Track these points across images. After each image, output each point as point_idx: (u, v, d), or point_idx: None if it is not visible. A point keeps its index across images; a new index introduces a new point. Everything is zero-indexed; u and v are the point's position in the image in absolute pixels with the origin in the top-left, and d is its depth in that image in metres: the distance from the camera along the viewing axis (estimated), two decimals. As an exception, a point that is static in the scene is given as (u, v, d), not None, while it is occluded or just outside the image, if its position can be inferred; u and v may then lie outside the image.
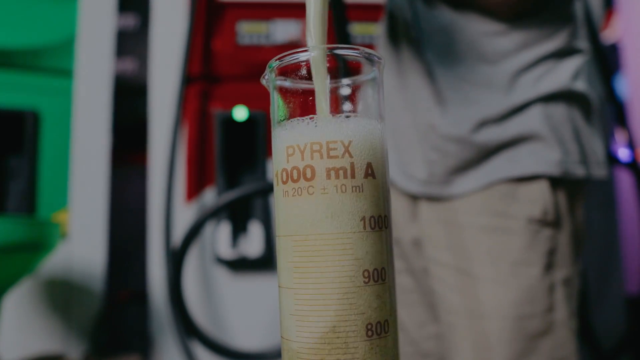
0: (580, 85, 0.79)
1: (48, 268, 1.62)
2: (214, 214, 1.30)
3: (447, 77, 0.80)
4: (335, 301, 0.32)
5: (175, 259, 1.32)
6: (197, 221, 1.30)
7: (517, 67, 0.77)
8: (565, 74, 0.78)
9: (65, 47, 1.75)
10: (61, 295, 1.66)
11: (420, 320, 0.90)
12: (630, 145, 1.46)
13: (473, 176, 0.79)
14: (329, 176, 0.33)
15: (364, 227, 0.33)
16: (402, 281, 0.91)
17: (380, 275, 0.33)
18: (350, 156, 0.33)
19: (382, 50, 0.92)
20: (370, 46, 0.43)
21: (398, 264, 0.92)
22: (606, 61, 1.32)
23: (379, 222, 0.34)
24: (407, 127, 0.85)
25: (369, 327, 0.32)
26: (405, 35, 0.85)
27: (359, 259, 0.32)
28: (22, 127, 1.68)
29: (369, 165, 0.34)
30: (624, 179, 2.03)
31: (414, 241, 0.88)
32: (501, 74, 0.77)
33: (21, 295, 1.60)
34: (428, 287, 0.87)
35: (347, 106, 0.37)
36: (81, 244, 1.67)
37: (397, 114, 0.87)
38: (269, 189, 1.30)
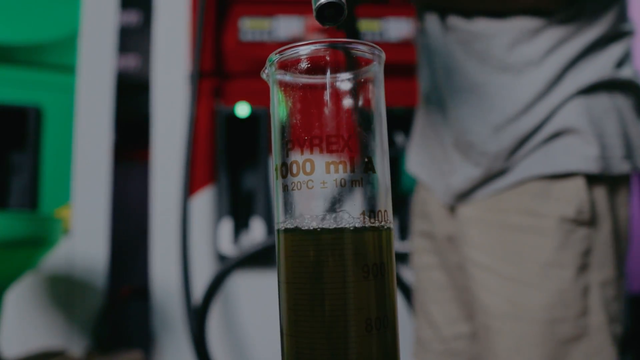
0: (627, 72, 0.73)
1: (50, 264, 1.62)
2: (234, 267, 1.27)
3: (485, 90, 0.77)
4: (334, 296, 0.32)
5: (199, 317, 1.28)
6: (217, 276, 1.27)
7: (558, 67, 0.73)
8: (608, 62, 0.73)
9: (68, 43, 1.75)
10: (63, 291, 1.66)
11: (452, 318, 0.87)
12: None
13: (507, 176, 0.76)
14: (328, 170, 0.33)
15: (364, 222, 0.33)
16: (436, 276, 0.88)
17: (380, 270, 0.33)
18: (350, 150, 0.33)
19: (420, 57, 0.90)
20: (377, 43, 0.43)
21: (432, 259, 0.90)
22: None
23: (379, 217, 0.33)
24: (447, 142, 0.83)
25: (368, 322, 0.32)
26: (440, 53, 0.83)
27: (358, 254, 0.32)
28: (25, 122, 1.68)
29: (369, 159, 0.34)
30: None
31: (449, 237, 0.85)
32: (539, 79, 0.73)
33: (23, 290, 1.60)
34: (462, 284, 0.84)
35: (347, 101, 0.37)
36: (83, 240, 1.67)
37: (438, 128, 0.85)
38: None
